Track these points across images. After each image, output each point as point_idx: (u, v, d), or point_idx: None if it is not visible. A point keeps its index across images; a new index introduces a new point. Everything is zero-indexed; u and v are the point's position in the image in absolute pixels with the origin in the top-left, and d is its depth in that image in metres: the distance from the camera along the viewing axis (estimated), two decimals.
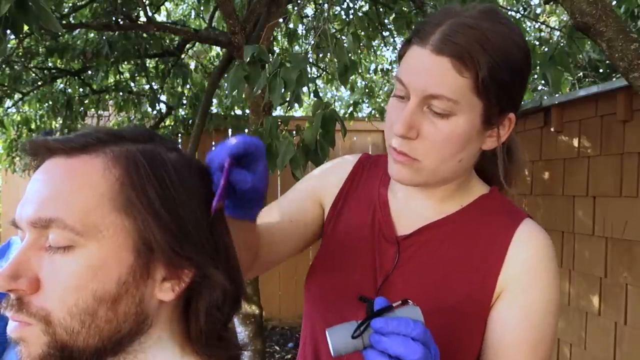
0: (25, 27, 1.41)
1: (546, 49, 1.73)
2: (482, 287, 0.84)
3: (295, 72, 1.56)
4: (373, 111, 4.99)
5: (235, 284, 0.62)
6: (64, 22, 3.21)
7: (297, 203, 1.00)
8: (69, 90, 4.40)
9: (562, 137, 2.88)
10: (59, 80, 4.34)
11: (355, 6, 3.90)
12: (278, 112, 5.43)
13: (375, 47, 4.84)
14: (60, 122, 4.37)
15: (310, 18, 4.32)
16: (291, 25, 4.24)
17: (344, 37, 3.37)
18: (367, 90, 5.11)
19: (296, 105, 1.67)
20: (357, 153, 1.06)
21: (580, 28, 1.31)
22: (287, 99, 1.63)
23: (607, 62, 4.81)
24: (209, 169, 0.65)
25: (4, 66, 3.74)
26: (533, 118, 3.01)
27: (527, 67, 0.82)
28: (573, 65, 2.57)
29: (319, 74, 4.87)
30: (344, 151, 5.07)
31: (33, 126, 4.59)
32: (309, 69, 1.71)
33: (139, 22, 3.20)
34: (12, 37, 2.32)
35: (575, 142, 2.78)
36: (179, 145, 0.65)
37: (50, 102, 4.35)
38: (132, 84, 4.61)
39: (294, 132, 1.85)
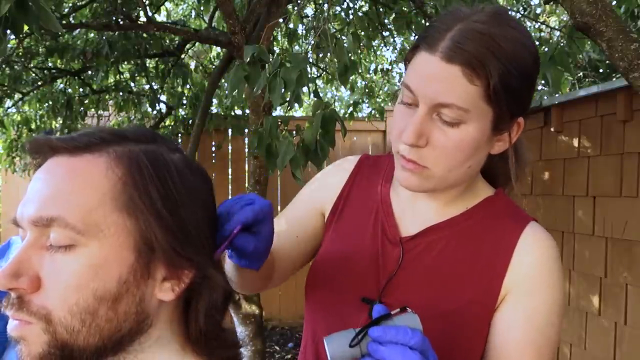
0: (25, 27, 1.41)
1: (546, 49, 1.73)
2: (487, 290, 0.84)
3: (295, 72, 1.56)
4: (373, 111, 4.98)
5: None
6: (64, 22, 3.21)
7: (299, 217, 1.00)
8: (69, 90, 4.39)
9: (562, 137, 2.88)
10: (59, 80, 4.34)
11: (355, 6, 3.90)
12: (278, 112, 5.43)
13: (375, 47, 4.84)
14: (60, 122, 4.37)
15: (310, 18, 4.32)
16: (291, 25, 4.24)
17: (344, 37, 3.37)
18: (367, 90, 5.10)
19: (296, 105, 1.67)
20: (357, 153, 1.06)
21: (580, 28, 1.31)
22: (287, 99, 1.63)
23: (607, 62, 4.81)
24: (221, 221, 0.69)
25: (4, 66, 3.74)
26: (533, 118, 3.01)
27: (536, 71, 0.81)
28: (573, 65, 2.57)
29: (319, 74, 4.87)
30: (344, 151, 5.06)
31: (33, 126, 4.58)
32: (309, 69, 1.71)
33: (139, 22, 3.20)
34: (12, 37, 2.32)
35: (575, 142, 2.78)
36: (179, 146, 0.65)
37: (50, 102, 4.35)
38: (132, 84, 4.60)
39: (294, 132, 1.85)
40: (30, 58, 3.89)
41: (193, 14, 5.17)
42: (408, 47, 4.60)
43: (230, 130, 4.97)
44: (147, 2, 3.52)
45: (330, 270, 0.93)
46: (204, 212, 0.60)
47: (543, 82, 1.83)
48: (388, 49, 5.32)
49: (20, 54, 3.77)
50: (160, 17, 5.03)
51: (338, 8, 3.88)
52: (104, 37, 3.61)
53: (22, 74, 3.91)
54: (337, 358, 0.69)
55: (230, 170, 5.13)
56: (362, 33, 3.39)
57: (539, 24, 4.36)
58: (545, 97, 2.92)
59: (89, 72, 4.23)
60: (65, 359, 0.54)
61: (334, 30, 3.81)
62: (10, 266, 0.53)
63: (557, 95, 2.83)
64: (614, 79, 3.56)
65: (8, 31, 1.34)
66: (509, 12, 0.83)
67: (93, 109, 4.62)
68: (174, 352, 0.62)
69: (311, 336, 0.95)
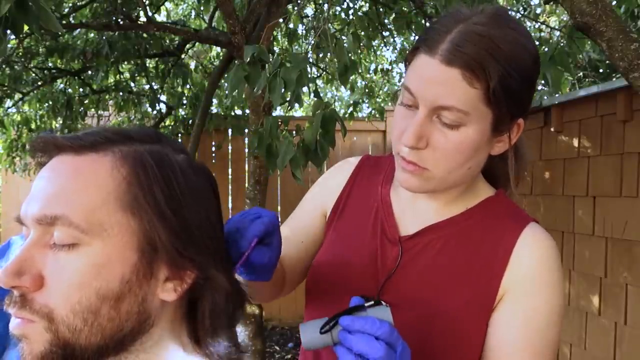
0: (25, 27, 1.41)
1: (546, 49, 1.73)
2: (485, 290, 0.84)
3: (295, 72, 1.56)
4: (373, 111, 4.98)
5: (236, 285, 0.63)
6: (64, 22, 3.21)
7: (303, 223, 1.01)
8: (69, 90, 4.39)
9: (562, 137, 2.88)
10: (59, 80, 4.34)
11: (355, 6, 3.90)
12: (278, 112, 5.43)
13: (375, 47, 4.84)
14: (60, 122, 4.37)
15: (310, 18, 4.32)
16: (291, 25, 4.25)
17: (344, 37, 3.37)
18: (367, 90, 5.10)
19: (296, 105, 1.67)
20: (357, 153, 1.08)
21: (580, 28, 1.31)
22: (287, 99, 1.63)
23: (607, 62, 4.81)
24: (232, 237, 0.72)
25: (4, 66, 3.74)
26: (533, 118, 3.01)
27: (537, 72, 0.81)
28: (573, 65, 2.57)
29: (319, 74, 4.87)
30: (344, 151, 5.06)
31: (33, 126, 4.58)
32: (309, 69, 1.71)
33: (139, 22, 3.20)
34: (12, 37, 2.32)
35: (575, 142, 2.78)
36: (184, 146, 0.66)
37: (50, 102, 4.35)
38: (132, 84, 4.60)
39: (294, 132, 1.85)
40: (30, 58, 3.89)
41: (193, 14, 5.17)
42: (408, 47, 4.61)
43: (230, 130, 4.97)
44: (147, 2, 3.52)
45: (330, 269, 0.93)
46: (208, 213, 0.60)
47: (543, 82, 1.83)
48: (388, 49, 5.32)
49: (20, 54, 3.77)
50: (160, 17, 5.03)
51: (338, 8, 3.89)
52: (104, 37, 3.61)
53: (22, 74, 3.91)
54: (310, 344, 0.73)
55: (230, 170, 5.13)
56: (362, 33, 3.39)
57: (539, 24, 4.36)
58: (545, 97, 2.92)
59: (89, 72, 4.23)
60: (67, 357, 0.54)
61: (334, 30, 3.81)
62: (14, 264, 0.53)
63: (557, 95, 2.83)
64: (614, 79, 3.56)
65: (8, 31, 1.34)
66: (509, 13, 0.83)
67: (93, 109, 4.62)
68: (176, 352, 0.62)
69: None
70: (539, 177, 3.06)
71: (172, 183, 0.57)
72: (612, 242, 2.51)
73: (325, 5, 3.61)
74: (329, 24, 2.69)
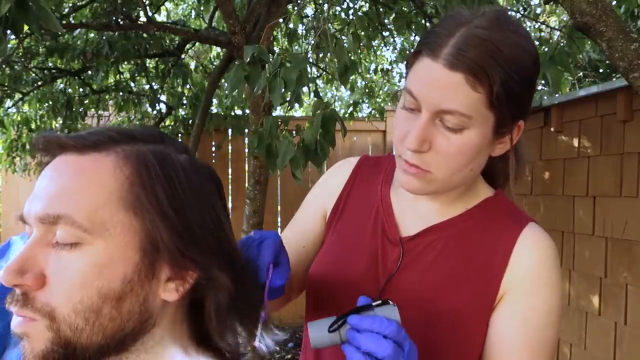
0: (25, 27, 1.41)
1: (546, 49, 1.73)
2: (486, 290, 0.84)
3: (295, 72, 1.56)
4: (373, 111, 4.98)
5: (245, 287, 0.63)
6: (64, 22, 3.21)
7: (304, 227, 1.02)
8: (69, 90, 4.39)
9: (562, 137, 2.88)
10: (59, 80, 4.34)
11: (355, 6, 3.90)
12: (278, 112, 5.43)
13: (375, 47, 4.84)
14: (60, 122, 4.37)
15: (310, 18, 4.32)
16: (291, 25, 4.25)
17: (344, 37, 3.37)
18: (367, 90, 5.10)
19: (296, 105, 1.67)
20: (357, 153, 1.08)
21: (580, 28, 1.31)
22: (287, 99, 1.63)
23: (607, 62, 4.81)
24: (257, 266, 0.75)
25: (4, 66, 3.74)
26: (533, 118, 3.01)
27: (537, 72, 0.81)
28: (573, 65, 2.57)
29: (319, 74, 4.87)
30: (344, 151, 5.06)
31: (33, 126, 4.59)
32: (309, 69, 1.71)
33: (139, 22, 3.20)
34: (12, 37, 2.32)
35: (575, 142, 2.78)
36: (187, 146, 0.67)
37: (50, 102, 4.35)
38: (132, 84, 4.61)
39: (294, 132, 1.85)
40: (30, 58, 3.89)
41: (193, 14, 5.17)
42: (408, 47, 4.61)
43: (230, 130, 4.97)
44: (147, 2, 3.52)
45: (331, 269, 0.94)
46: (211, 212, 0.60)
47: (543, 82, 1.83)
48: (388, 49, 5.32)
49: (20, 54, 3.78)
50: (160, 17, 5.03)
51: (338, 8, 3.89)
52: (104, 37, 3.61)
53: (22, 74, 3.91)
54: (318, 342, 0.73)
55: (230, 170, 5.13)
56: (362, 33, 3.39)
57: (539, 24, 4.36)
58: (545, 97, 2.92)
59: (89, 72, 4.23)
60: (68, 357, 0.54)
61: (334, 30, 3.81)
62: (16, 262, 0.53)
63: (557, 95, 2.83)
64: (614, 79, 3.56)
65: (8, 31, 1.34)
66: (509, 15, 0.83)
67: (93, 109, 4.62)
68: (177, 353, 0.62)
69: None
70: (539, 177, 3.06)
71: (174, 183, 0.57)
72: (612, 242, 2.51)
73: (325, 5, 3.61)
74: (329, 24, 2.69)
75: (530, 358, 0.82)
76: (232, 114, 4.65)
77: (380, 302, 0.74)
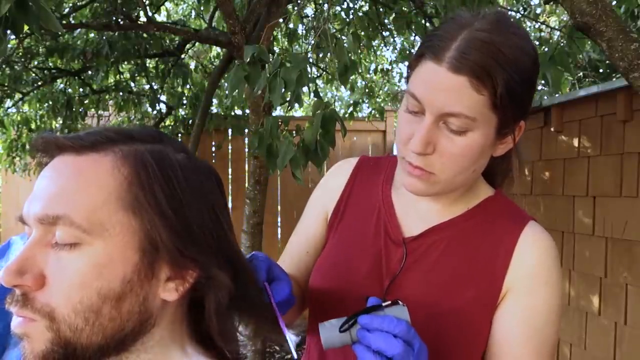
0: (25, 27, 1.41)
1: (546, 49, 1.73)
2: (489, 288, 0.86)
3: (295, 72, 1.56)
4: (373, 111, 4.98)
5: (245, 286, 0.63)
6: (64, 22, 3.20)
7: (307, 232, 1.03)
8: (69, 90, 4.39)
9: (562, 137, 2.88)
10: (59, 80, 4.34)
11: (355, 6, 3.90)
12: (278, 112, 5.43)
13: (375, 47, 4.84)
14: (60, 122, 4.37)
15: (310, 18, 4.32)
16: (291, 25, 4.25)
17: (344, 37, 3.37)
18: (367, 90, 5.10)
19: (296, 105, 1.67)
20: (357, 153, 1.08)
21: (580, 28, 1.31)
22: (287, 99, 1.63)
23: (607, 62, 4.81)
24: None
25: (4, 66, 3.74)
26: (533, 118, 3.01)
27: (536, 73, 0.82)
28: (573, 65, 2.57)
29: (319, 74, 4.87)
30: (344, 151, 5.06)
31: (33, 126, 4.59)
32: (309, 69, 1.71)
33: (139, 22, 3.20)
34: (12, 37, 2.32)
35: (575, 142, 2.78)
36: (185, 146, 0.67)
37: (50, 102, 4.35)
38: (132, 84, 4.61)
39: (294, 132, 1.85)
40: (30, 58, 3.89)
41: (193, 14, 5.17)
42: (408, 47, 4.60)
43: (230, 130, 4.97)
44: (147, 2, 3.52)
45: (334, 270, 0.94)
46: (209, 211, 0.60)
47: (543, 82, 1.83)
48: (388, 49, 5.32)
49: (20, 54, 3.78)
50: (160, 17, 5.03)
51: (338, 8, 3.88)
52: (104, 37, 3.61)
53: (22, 74, 3.91)
54: (329, 342, 0.74)
55: (230, 170, 5.13)
56: (362, 33, 3.39)
57: (539, 24, 4.37)
58: (545, 97, 2.92)
59: (89, 72, 4.23)
60: (68, 357, 0.54)
61: (334, 30, 3.81)
62: (16, 263, 0.53)
63: (557, 95, 2.83)
64: (614, 79, 3.56)
65: (8, 31, 1.34)
66: (508, 16, 0.84)
67: (93, 109, 4.62)
68: (177, 352, 0.62)
69: (316, 335, 0.96)
70: (539, 177, 3.06)
71: (172, 182, 0.57)
72: (612, 242, 2.51)
73: (325, 5, 3.61)
74: (329, 24, 2.69)
75: (531, 355, 0.84)
76: (232, 114, 4.65)
77: (389, 302, 0.75)
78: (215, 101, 4.62)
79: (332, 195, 1.00)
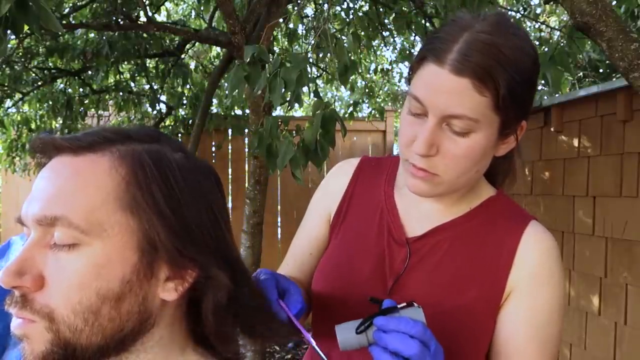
0: (25, 27, 1.41)
1: (546, 49, 1.73)
2: (492, 288, 0.87)
3: (295, 72, 1.56)
4: (373, 111, 4.98)
5: (241, 284, 0.63)
6: (64, 22, 3.20)
7: (310, 234, 1.03)
8: (69, 90, 4.39)
9: (562, 137, 2.88)
10: (59, 80, 4.34)
11: (355, 6, 3.90)
12: (278, 112, 5.43)
13: (375, 47, 4.83)
14: (60, 122, 4.37)
15: (310, 18, 4.32)
16: (291, 25, 4.24)
17: (344, 37, 3.37)
18: (367, 90, 5.10)
19: (296, 105, 1.67)
20: (357, 153, 1.08)
21: (580, 28, 1.31)
22: (287, 99, 1.63)
23: (607, 62, 4.81)
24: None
25: (4, 66, 3.74)
26: (533, 118, 3.00)
27: (537, 72, 0.83)
28: (573, 65, 2.57)
29: (319, 74, 4.87)
30: (344, 151, 5.06)
31: (33, 126, 4.59)
32: (309, 69, 1.71)
33: (139, 22, 3.20)
34: (12, 37, 2.32)
35: (575, 142, 2.78)
36: (183, 145, 0.67)
37: (50, 102, 4.35)
38: (132, 84, 4.60)
39: (294, 132, 1.85)
40: (30, 58, 3.89)
41: (193, 14, 5.17)
42: (408, 47, 4.60)
43: (230, 130, 4.97)
44: (147, 2, 3.52)
45: (337, 271, 0.95)
46: (209, 211, 0.60)
47: (543, 82, 1.83)
48: (388, 49, 5.32)
49: (20, 54, 3.78)
50: (160, 17, 5.03)
51: (338, 8, 3.88)
52: (104, 37, 3.61)
53: (22, 74, 3.91)
54: (346, 344, 0.75)
55: (230, 170, 5.13)
56: (362, 33, 3.39)
57: (539, 24, 4.37)
58: (545, 97, 2.92)
59: (89, 72, 4.23)
60: (68, 357, 0.54)
61: (334, 30, 3.81)
62: (14, 264, 0.53)
63: (557, 95, 2.83)
64: (614, 79, 3.56)
65: (8, 31, 1.34)
66: (509, 17, 0.85)
67: (93, 109, 4.62)
68: (176, 352, 0.62)
69: (320, 334, 0.96)
70: (539, 177, 3.06)
71: (170, 182, 0.57)
72: (612, 242, 2.51)
73: (325, 5, 3.61)
74: (329, 24, 2.69)
75: (535, 353, 0.86)
76: (232, 114, 4.65)
77: (404, 304, 0.76)
78: (215, 101, 4.62)
79: (334, 197, 1.01)
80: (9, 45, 3.36)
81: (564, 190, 2.86)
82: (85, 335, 0.54)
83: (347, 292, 0.92)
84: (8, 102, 4.35)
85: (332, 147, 1.67)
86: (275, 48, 4.14)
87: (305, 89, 1.64)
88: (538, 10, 5.14)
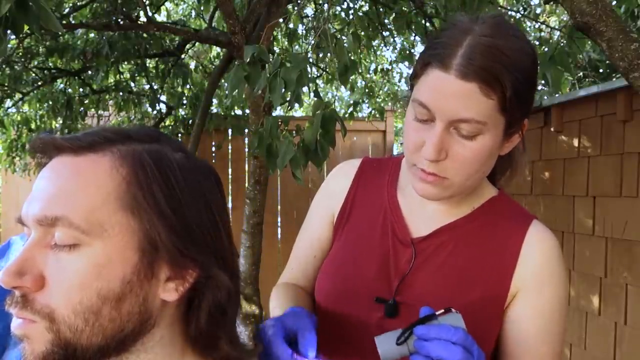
0: (26, 27, 1.41)
1: (546, 49, 1.73)
2: (497, 287, 0.88)
3: (296, 72, 1.56)
4: (373, 111, 4.98)
5: (235, 285, 0.63)
6: (64, 22, 3.20)
7: (312, 237, 1.03)
8: (69, 90, 4.39)
9: (562, 137, 2.88)
10: (59, 80, 4.34)
11: (355, 6, 3.90)
12: (278, 112, 5.43)
13: (375, 47, 4.84)
14: (60, 122, 4.37)
15: (310, 18, 4.32)
16: (291, 25, 4.25)
17: (344, 37, 3.37)
18: (367, 90, 5.10)
19: (296, 105, 1.67)
20: (357, 153, 1.09)
21: (580, 28, 1.31)
22: (287, 99, 1.63)
23: (607, 62, 4.81)
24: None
25: (4, 66, 3.74)
26: (533, 118, 3.01)
27: (536, 72, 0.84)
28: (573, 65, 2.57)
29: (319, 74, 4.87)
30: (344, 151, 5.06)
31: (33, 126, 4.59)
32: (309, 69, 1.71)
33: (139, 22, 3.20)
34: (12, 37, 2.32)
35: (575, 142, 2.78)
36: (183, 145, 0.67)
37: (50, 102, 4.35)
38: (132, 84, 4.60)
39: (294, 132, 1.85)
40: (30, 58, 3.89)
41: (193, 14, 5.17)
42: (408, 47, 4.60)
43: (230, 130, 4.97)
44: (147, 2, 3.52)
45: (342, 271, 0.95)
46: (209, 211, 0.60)
47: (543, 82, 1.83)
48: (388, 49, 5.32)
49: (20, 54, 3.77)
50: (160, 17, 5.03)
51: (338, 8, 3.88)
52: (104, 37, 3.61)
53: (22, 74, 3.91)
54: (387, 355, 0.75)
55: (230, 170, 5.13)
56: (362, 33, 3.39)
57: (539, 24, 4.37)
58: (545, 97, 2.92)
59: (89, 72, 4.23)
60: (68, 358, 0.54)
61: (334, 30, 3.81)
62: (15, 264, 0.53)
63: (557, 95, 2.83)
64: (614, 79, 3.56)
65: (8, 31, 1.34)
66: (507, 19, 0.87)
67: (93, 109, 4.62)
68: (176, 353, 0.62)
69: (324, 335, 0.96)
70: (539, 177, 3.06)
71: (171, 182, 0.57)
72: (612, 242, 2.51)
73: (325, 5, 3.61)
74: (329, 24, 2.69)
75: (547, 351, 0.87)
76: (232, 114, 4.65)
77: (442, 311, 0.76)
78: (215, 101, 4.62)
79: (337, 198, 1.01)
80: (9, 45, 3.36)
81: (564, 190, 2.86)
82: (85, 336, 0.54)
83: (353, 291, 0.92)
84: (8, 102, 4.35)
85: (332, 147, 1.67)
86: (275, 48, 4.14)
87: (305, 89, 1.64)
88: (538, 10, 5.14)
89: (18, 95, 4.21)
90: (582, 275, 2.72)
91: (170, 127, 4.81)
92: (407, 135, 0.85)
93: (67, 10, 3.47)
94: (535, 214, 0.94)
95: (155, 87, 4.44)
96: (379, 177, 1.00)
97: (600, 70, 5.36)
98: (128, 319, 0.56)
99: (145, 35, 3.68)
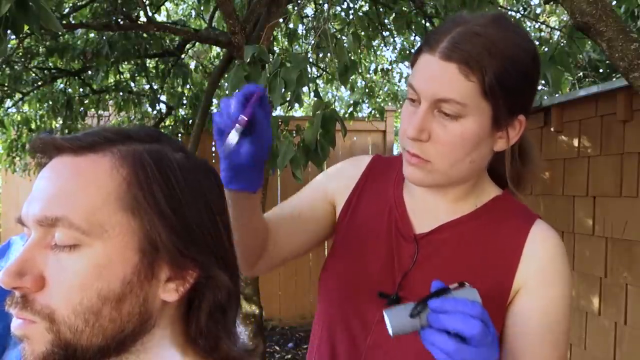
0: (26, 27, 1.41)
1: (546, 49, 1.73)
2: (500, 285, 0.88)
3: (296, 72, 1.56)
4: (373, 111, 4.98)
5: (235, 285, 0.63)
6: (64, 22, 3.20)
7: (307, 199, 1.05)
8: (69, 90, 4.39)
9: (562, 137, 2.88)
10: (59, 80, 4.34)
11: (355, 6, 3.90)
12: (278, 112, 5.43)
13: (375, 47, 4.84)
14: (60, 122, 4.37)
15: (310, 18, 4.32)
16: (291, 25, 4.24)
17: (344, 37, 3.37)
18: (367, 90, 5.10)
19: (296, 105, 1.67)
20: (357, 153, 1.10)
21: (580, 28, 1.31)
22: (288, 99, 1.63)
23: (607, 62, 4.81)
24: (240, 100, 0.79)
25: (4, 66, 3.74)
26: (533, 118, 3.01)
27: (536, 70, 0.85)
28: (573, 65, 2.57)
29: (319, 74, 4.87)
30: (344, 151, 5.06)
31: (33, 126, 4.59)
32: (309, 69, 1.71)
33: (139, 22, 3.20)
34: (12, 37, 2.32)
35: (575, 142, 2.78)
36: (183, 145, 0.67)
37: (50, 102, 4.35)
38: (132, 84, 4.60)
39: (294, 132, 1.85)
40: (30, 58, 3.89)
41: (193, 14, 5.17)
42: (408, 47, 4.60)
43: None
44: (147, 2, 3.52)
45: (345, 266, 0.97)
46: (209, 211, 0.60)
47: (543, 82, 1.83)
48: (388, 49, 5.32)
49: (20, 54, 3.77)
50: (160, 17, 5.03)
51: (338, 8, 3.88)
52: (104, 37, 3.60)
53: (22, 74, 3.91)
54: (399, 328, 0.72)
55: None
56: (362, 33, 3.39)
57: (539, 24, 4.37)
58: (545, 97, 2.92)
59: (89, 72, 4.23)
60: (69, 358, 0.54)
61: (334, 30, 3.81)
62: (15, 264, 0.53)
63: (557, 95, 2.83)
64: (614, 79, 3.56)
65: (8, 31, 1.34)
66: (509, 17, 0.88)
67: (93, 109, 4.62)
68: (177, 353, 0.62)
69: (327, 330, 0.98)
70: (539, 177, 3.06)
71: (171, 182, 0.57)
72: (612, 242, 2.51)
73: (325, 5, 3.61)
74: (329, 24, 2.69)
75: (549, 349, 0.87)
76: None
77: (457, 284, 0.73)
78: (215, 101, 4.62)
79: (344, 182, 1.03)
80: (9, 45, 3.36)
81: (564, 190, 2.86)
82: (85, 336, 0.54)
83: (356, 286, 0.93)
84: (8, 102, 4.35)
85: (332, 147, 1.67)
86: (275, 48, 4.14)
87: (305, 89, 1.65)
88: (538, 10, 5.14)
89: (18, 95, 4.21)
90: (582, 275, 2.72)
91: (170, 127, 4.81)
92: (401, 120, 0.88)
93: (67, 10, 3.47)
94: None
95: (155, 87, 4.44)
96: (387, 174, 1.02)
97: (600, 70, 5.36)
98: (128, 320, 0.56)
99: (145, 35, 3.68)
